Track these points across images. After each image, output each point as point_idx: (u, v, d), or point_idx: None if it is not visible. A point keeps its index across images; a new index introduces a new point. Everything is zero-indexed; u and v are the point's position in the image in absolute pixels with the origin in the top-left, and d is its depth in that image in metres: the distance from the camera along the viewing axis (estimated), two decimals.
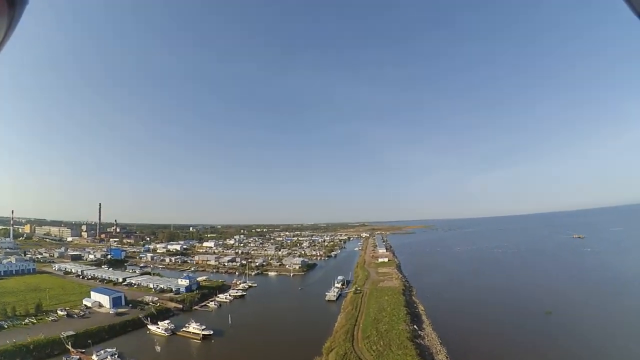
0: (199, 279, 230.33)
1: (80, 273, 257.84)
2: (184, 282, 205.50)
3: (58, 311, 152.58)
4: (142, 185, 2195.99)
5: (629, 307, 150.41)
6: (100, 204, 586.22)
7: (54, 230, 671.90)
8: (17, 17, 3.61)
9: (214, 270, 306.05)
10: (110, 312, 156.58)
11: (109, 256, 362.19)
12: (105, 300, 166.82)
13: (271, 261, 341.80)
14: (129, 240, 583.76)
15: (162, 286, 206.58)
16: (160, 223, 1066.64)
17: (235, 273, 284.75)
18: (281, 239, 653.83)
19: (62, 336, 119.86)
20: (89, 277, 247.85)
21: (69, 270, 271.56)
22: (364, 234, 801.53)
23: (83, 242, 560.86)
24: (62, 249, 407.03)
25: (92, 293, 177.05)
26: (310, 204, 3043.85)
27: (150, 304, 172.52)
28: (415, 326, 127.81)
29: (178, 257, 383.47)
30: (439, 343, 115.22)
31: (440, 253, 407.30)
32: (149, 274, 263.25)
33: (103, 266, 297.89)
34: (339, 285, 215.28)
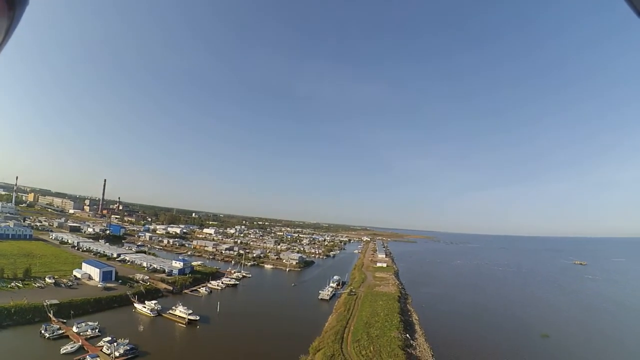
0: (194, 263, 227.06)
1: (76, 244, 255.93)
2: (177, 265, 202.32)
3: (46, 278, 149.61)
4: (149, 168, 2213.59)
5: (628, 336, 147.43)
6: (105, 180, 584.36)
7: (57, 201, 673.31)
8: (17, 17, 3.59)
9: (211, 257, 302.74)
10: (99, 285, 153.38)
11: (108, 231, 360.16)
12: (95, 273, 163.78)
13: (269, 254, 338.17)
14: (130, 219, 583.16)
15: (155, 266, 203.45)
16: (163, 206, 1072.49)
17: (231, 262, 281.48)
18: (282, 233, 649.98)
19: (45, 304, 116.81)
20: (84, 249, 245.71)
21: (65, 241, 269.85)
22: (364, 238, 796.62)
23: (84, 215, 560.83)
24: (62, 220, 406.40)
25: (83, 264, 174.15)
26: (314, 203, 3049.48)
27: (141, 282, 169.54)
28: (407, 335, 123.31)
29: (176, 239, 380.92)
30: (430, 355, 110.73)
31: (440, 265, 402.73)
32: (145, 253, 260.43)
33: (100, 240, 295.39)
34: (334, 285, 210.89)
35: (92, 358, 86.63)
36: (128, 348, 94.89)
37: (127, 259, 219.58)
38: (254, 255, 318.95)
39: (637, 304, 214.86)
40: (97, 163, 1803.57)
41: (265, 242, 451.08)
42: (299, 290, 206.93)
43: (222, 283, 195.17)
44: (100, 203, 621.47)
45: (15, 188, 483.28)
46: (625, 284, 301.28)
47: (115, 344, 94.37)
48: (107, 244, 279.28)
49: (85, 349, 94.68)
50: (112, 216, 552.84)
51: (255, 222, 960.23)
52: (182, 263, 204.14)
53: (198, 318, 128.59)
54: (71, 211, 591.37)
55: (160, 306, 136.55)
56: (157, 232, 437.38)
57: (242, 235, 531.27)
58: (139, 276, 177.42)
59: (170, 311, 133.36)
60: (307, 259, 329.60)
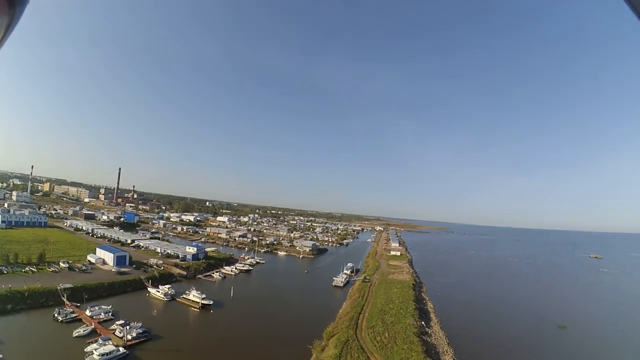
0: (208, 249, 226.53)
1: (90, 231, 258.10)
2: (191, 250, 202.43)
3: (60, 263, 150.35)
4: (163, 157, 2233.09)
5: None
6: (120, 169, 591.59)
7: (72, 190, 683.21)
8: (17, 17, 3.59)
9: (224, 244, 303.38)
10: (113, 270, 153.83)
11: (122, 219, 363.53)
12: (109, 257, 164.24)
13: (282, 241, 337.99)
14: (144, 207, 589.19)
15: (169, 251, 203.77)
16: (177, 195, 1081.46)
17: (244, 248, 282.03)
18: (295, 222, 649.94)
19: (59, 287, 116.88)
20: (99, 235, 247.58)
21: (80, 228, 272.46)
22: (378, 227, 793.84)
23: (99, 204, 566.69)
24: (77, 208, 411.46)
25: (97, 249, 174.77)
26: (328, 192, 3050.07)
27: (154, 267, 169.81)
28: (423, 322, 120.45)
29: (190, 227, 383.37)
30: (446, 343, 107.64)
31: (454, 255, 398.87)
32: (159, 239, 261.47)
33: (115, 227, 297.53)
34: (347, 272, 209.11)
35: (104, 341, 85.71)
36: (141, 331, 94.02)
37: (141, 244, 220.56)
38: (267, 242, 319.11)
39: None
40: (113, 155, 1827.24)
41: (278, 230, 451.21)
42: (312, 276, 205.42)
43: (235, 269, 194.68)
44: (115, 192, 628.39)
45: (30, 177, 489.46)
46: None
47: (128, 327, 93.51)
48: (122, 230, 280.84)
49: (98, 332, 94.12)
50: (127, 204, 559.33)
51: (268, 211, 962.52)
52: (195, 249, 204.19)
53: (212, 303, 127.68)
54: (86, 200, 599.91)
55: (174, 291, 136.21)
56: (171, 219, 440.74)
57: (255, 223, 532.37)
58: (152, 261, 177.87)
59: (184, 296, 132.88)
60: (320, 247, 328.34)
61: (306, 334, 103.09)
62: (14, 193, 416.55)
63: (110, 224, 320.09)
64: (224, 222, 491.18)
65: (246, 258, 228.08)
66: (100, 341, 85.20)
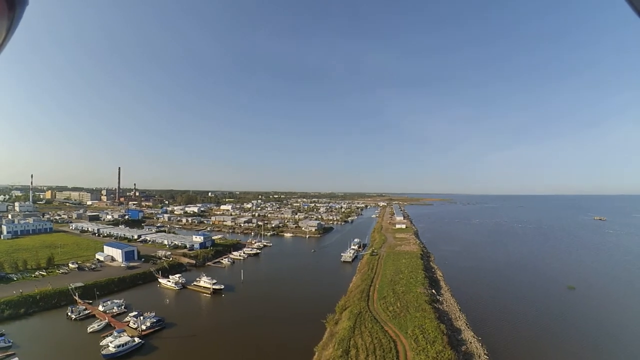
0: (214, 237, 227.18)
1: (96, 231, 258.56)
2: (198, 239, 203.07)
3: (69, 264, 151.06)
4: (162, 153, 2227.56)
5: None
6: (119, 168, 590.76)
7: (74, 195, 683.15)
8: (17, 17, 3.55)
9: (230, 231, 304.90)
10: (122, 265, 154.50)
11: (127, 216, 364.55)
12: (117, 254, 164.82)
13: (287, 223, 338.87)
14: (147, 203, 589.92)
15: (176, 242, 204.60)
16: (179, 189, 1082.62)
17: (250, 233, 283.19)
18: (298, 204, 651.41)
19: (70, 287, 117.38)
20: (105, 234, 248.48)
21: (86, 229, 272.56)
22: (381, 203, 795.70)
23: (102, 205, 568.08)
24: (81, 211, 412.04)
25: (105, 247, 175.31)
26: (328, 173, 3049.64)
27: (163, 258, 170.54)
28: (433, 290, 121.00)
29: (195, 218, 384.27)
30: (458, 309, 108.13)
31: (459, 224, 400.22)
32: (165, 232, 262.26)
33: (120, 225, 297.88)
34: (355, 247, 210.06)
35: (118, 333, 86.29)
36: (155, 320, 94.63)
37: (148, 239, 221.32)
38: (273, 225, 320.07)
39: None
40: (112, 155, 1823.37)
41: (282, 213, 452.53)
42: (320, 255, 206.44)
43: (243, 253, 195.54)
44: (117, 191, 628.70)
45: (31, 187, 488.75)
46: None
47: (141, 317, 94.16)
48: (127, 228, 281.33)
49: (112, 325, 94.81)
50: (130, 202, 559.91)
51: (271, 196, 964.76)
52: (202, 237, 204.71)
53: (223, 287, 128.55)
54: (89, 202, 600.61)
55: (184, 279, 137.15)
56: (175, 212, 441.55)
57: (259, 208, 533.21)
58: (160, 253, 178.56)
59: (195, 283, 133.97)
60: (325, 226, 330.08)
61: (319, 310, 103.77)
62: (17, 204, 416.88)
63: (115, 223, 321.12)
64: (228, 210, 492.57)
65: (253, 242, 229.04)
66: (115, 334, 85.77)
